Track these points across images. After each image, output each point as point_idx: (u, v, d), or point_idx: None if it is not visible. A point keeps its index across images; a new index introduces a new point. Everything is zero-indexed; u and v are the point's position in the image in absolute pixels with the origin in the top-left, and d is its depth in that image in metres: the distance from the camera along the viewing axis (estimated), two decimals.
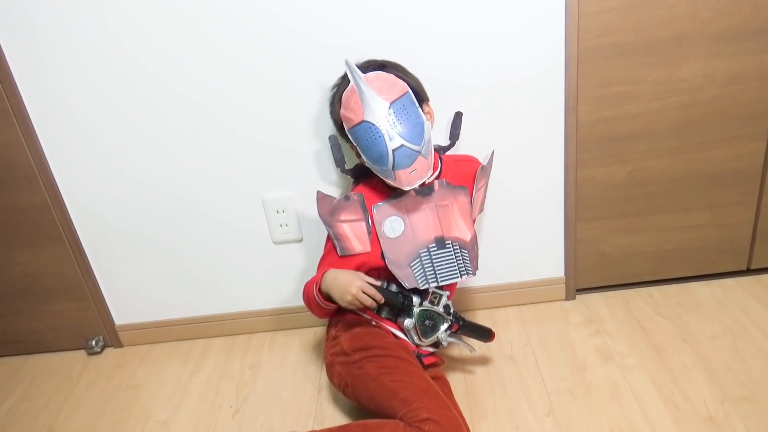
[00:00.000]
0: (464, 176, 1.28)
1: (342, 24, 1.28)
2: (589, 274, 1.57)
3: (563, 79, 1.33)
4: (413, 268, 1.22)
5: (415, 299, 1.23)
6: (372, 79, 1.13)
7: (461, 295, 1.57)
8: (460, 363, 1.42)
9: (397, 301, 1.21)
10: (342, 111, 1.16)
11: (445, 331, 1.26)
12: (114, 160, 1.43)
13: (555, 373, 1.35)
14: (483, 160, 1.34)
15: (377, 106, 1.12)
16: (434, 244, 1.23)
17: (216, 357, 1.58)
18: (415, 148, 1.13)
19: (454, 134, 1.32)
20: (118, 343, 1.68)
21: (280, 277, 1.57)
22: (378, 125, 1.12)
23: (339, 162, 1.29)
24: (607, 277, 1.58)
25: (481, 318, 1.55)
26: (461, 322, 1.29)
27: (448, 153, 1.33)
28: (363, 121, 1.12)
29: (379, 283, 1.20)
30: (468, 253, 1.25)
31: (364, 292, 1.15)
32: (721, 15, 1.28)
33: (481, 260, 1.51)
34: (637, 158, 1.42)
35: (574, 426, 1.21)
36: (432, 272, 1.22)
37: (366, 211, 1.23)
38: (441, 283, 1.23)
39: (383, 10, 1.27)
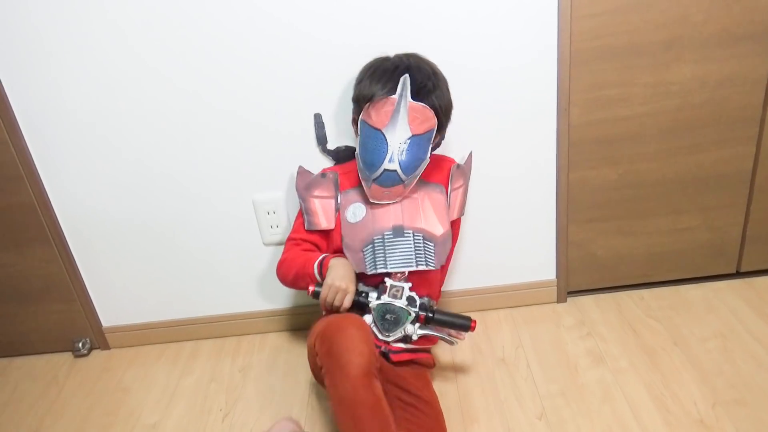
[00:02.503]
0: (440, 175, 1.29)
1: (336, 21, 1.28)
2: (581, 276, 1.57)
3: (555, 82, 1.33)
4: (365, 252, 1.22)
5: (373, 294, 1.21)
6: (414, 108, 1.15)
7: (452, 297, 1.56)
8: (451, 365, 1.42)
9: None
10: (370, 106, 1.17)
11: (413, 323, 1.21)
12: (101, 161, 1.42)
13: (547, 376, 1.35)
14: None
15: (401, 131, 1.15)
16: (390, 232, 1.22)
17: (205, 359, 1.57)
18: (403, 177, 1.17)
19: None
20: (105, 345, 1.65)
21: (271, 279, 1.55)
22: (390, 144, 1.15)
23: (321, 140, 1.34)
24: (598, 279, 1.58)
25: None
26: (430, 313, 1.22)
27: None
28: (380, 130, 1.15)
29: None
30: (434, 246, 1.24)
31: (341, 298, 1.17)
32: (712, 19, 1.28)
33: (473, 262, 1.53)
34: (629, 161, 1.43)
35: (566, 429, 1.21)
36: (382, 259, 1.21)
37: (338, 190, 1.28)
38: (390, 270, 1.21)
39: (375, 12, 1.27)
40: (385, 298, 1.21)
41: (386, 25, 1.28)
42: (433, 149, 1.29)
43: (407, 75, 1.15)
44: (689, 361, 1.33)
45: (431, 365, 1.33)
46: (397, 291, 1.21)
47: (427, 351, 1.32)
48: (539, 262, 1.55)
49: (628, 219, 1.50)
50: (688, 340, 1.39)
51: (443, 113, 1.21)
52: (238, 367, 1.52)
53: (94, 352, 1.66)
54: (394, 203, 1.24)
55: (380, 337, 1.22)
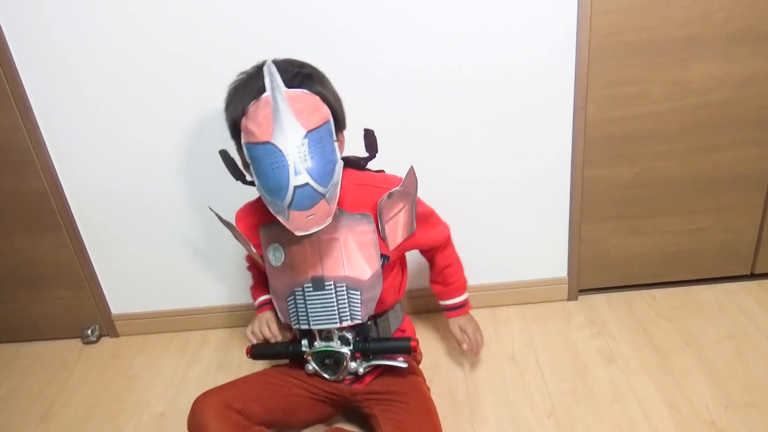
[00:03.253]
0: (368, 204, 1.09)
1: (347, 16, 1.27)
2: (592, 274, 1.56)
3: (573, 77, 1.32)
4: (288, 303, 1.13)
5: (305, 342, 1.16)
6: (294, 97, 0.93)
7: None
8: (460, 361, 1.41)
9: (282, 349, 1.18)
10: (245, 121, 0.95)
11: (353, 360, 1.15)
12: (113, 149, 1.41)
13: (556, 374, 1.34)
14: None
15: (291, 132, 0.92)
16: (310, 285, 1.10)
17: (214, 349, 1.57)
18: (321, 190, 0.94)
19: (371, 146, 1.08)
20: (114, 333, 1.66)
21: None
22: (285, 154, 0.92)
23: (237, 176, 1.09)
24: (610, 278, 1.57)
25: (481, 316, 1.53)
26: (366, 347, 1.15)
27: (365, 171, 1.15)
28: (268, 143, 0.92)
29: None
30: (359, 294, 1.09)
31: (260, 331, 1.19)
32: (735, 16, 1.26)
33: (484, 258, 1.52)
34: (645, 159, 1.41)
35: (575, 428, 1.20)
36: (305, 314, 1.12)
37: (247, 241, 1.13)
38: (313, 327, 1.13)
39: (392, 6, 1.25)
40: (318, 345, 1.16)
41: (394, 8, 1.26)
42: (367, 161, 1.12)
43: (269, 62, 0.94)
44: (701, 362, 1.32)
45: (404, 368, 1.19)
46: (328, 333, 1.14)
47: (381, 366, 1.19)
48: (551, 260, 1.53)
49: (642, 218, 1.48)
50: (701, 342, 1.38)
51: (334, 101, 1.00)
52: (246, 357, 1.51)
53: (103, 340, 1.66)
54: (309, 243, 1.08)
55: (329, 379, 1.18)
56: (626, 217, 1.48)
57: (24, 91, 1.35)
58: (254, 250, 1.14)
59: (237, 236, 1.15)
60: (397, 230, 1.12)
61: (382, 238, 1.10)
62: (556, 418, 1.23)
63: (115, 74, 1.33)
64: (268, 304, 1.23)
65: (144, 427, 1.34)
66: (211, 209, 1.16)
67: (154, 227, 1.51)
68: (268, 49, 1.27)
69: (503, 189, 1.44)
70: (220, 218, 1.15)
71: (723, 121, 1.37)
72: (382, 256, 1.11)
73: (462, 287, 1.33)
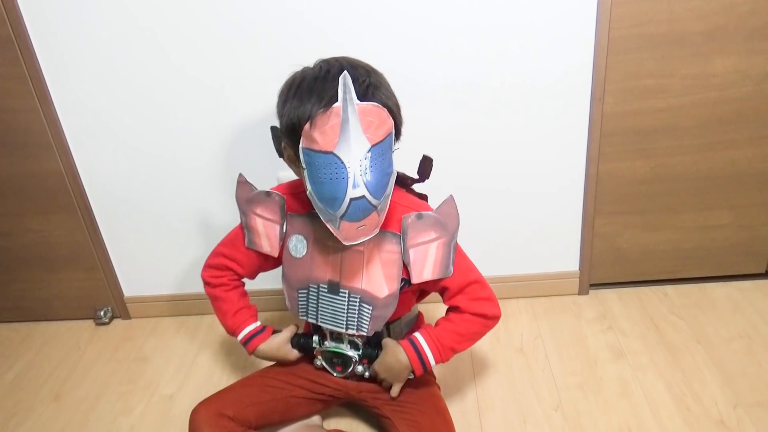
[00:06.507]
0: (400, 224, 1.05)
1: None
2: (604, 269, 1.55)
3: (591, 69, 1.30)
4: (300, 295, 1.13)
5: (316, 338, 1.17)
6: (366, 111, 0.90)
7: None
8: (467, 352, 1.41)
9: (294, 341, 1.19)
10: (308, 128, 0.91)
11: (360, 364, 1.16)
12: (128, 132, 1.42)
13: (565, 368, 1.34)
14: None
15: (357, 146, 0.90)
16: (326, 286, 1.09)
17: (223, 334, 1.56)
18: (374, 202, 0.93)
19: (424, 172, 1.08)
20: (126, 315, 1.68)
21: None
22: (348, 167, 0.90)
23: (282, 153, 1.08)
24: (622, 273, 1.56)
25: None
26: (375, 354, 1.14)
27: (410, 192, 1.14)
28: (330, 153, 0.90)
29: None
30: (371, 310, 1.07)
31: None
32: (760, 10, 1.24)
33: (494, 250, 1.51)
34: (662, 154, 1.39)
35: (582, 422, 1.20)
36: (315, 310, 1.12)
37: (284, 216, 1.10)
38: (321, 324, 1.13)
39: None
40: (328, 344, 1.17)
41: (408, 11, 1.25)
42: (413, 183, 1.12)
43: (346, 73, 0.89)
44: (712, 360, 1.31)
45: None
46: (339, 334, 1.15)
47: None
48: (563, 253, 1.53)
49: (656, 213, 1.47)
50: (712, 339, 1.37)
51: (397, 112, 0.98)
52: None
53: (115, 321, 1.68)
54: (333, 249, 1.07)
55: (335, 376, 1.19)
56: (640, 212, 1.47)
57: (42, 74, 1.35)
58: (284, 231, 1.10)
59: (257, 215, 1.12)
60: (425, 263, 1.06)
61: (405, 263, 1.05)
62: (563, 412, 1.22)
63: (132, 58, 1.33)
64: (260, 334, 1.19)
65: (154, 408, 1.36)
66: (241, 177, 1.14)
67: (167, 211, 1.52)
68: (285, 61, 1.28)
69: (516, 180, 1.43)
70: (239, 190, 1.14)
71: (743, 117, 1.35)
72: (403, 279, 1.08)
73: (443, 352, 1.11)
